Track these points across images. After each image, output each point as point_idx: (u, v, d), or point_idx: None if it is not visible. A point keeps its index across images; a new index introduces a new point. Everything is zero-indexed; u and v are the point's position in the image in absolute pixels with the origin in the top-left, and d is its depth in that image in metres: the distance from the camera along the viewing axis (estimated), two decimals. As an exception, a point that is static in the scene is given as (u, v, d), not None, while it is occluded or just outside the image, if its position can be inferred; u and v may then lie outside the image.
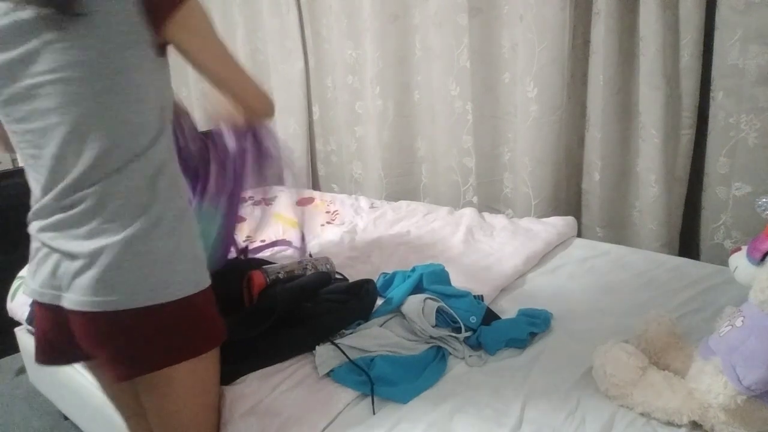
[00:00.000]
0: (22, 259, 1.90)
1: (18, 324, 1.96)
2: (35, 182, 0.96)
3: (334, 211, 2.23)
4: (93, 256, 0.91)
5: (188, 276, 0.97)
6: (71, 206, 0.92)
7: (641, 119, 1.81)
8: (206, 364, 1.04)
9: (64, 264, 0.93)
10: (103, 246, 0.91)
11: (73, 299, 0.93)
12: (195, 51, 0.97)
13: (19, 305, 1.82)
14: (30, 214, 0.98)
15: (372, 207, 2.26)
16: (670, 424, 0.98)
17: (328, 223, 2.12)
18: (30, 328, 1.86)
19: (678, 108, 1.75)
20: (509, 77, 2.08)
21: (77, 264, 0.91)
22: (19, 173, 2.36)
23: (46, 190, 0.94)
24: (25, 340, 1.99)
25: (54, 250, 0.94)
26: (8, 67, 0.89)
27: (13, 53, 0.88)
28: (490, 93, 2.13)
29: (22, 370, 2.32)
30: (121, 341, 0.95)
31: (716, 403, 0.92)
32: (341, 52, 2.51)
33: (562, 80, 1.90)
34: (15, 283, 1.87)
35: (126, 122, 0.91)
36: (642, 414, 1.00)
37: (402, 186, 2.53)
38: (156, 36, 0.91)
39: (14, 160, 3.73)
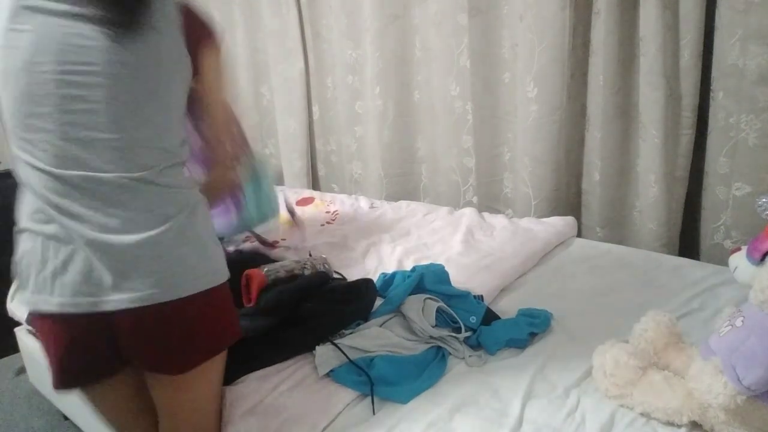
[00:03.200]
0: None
1: (18, 324, 1.96)
2: (50, 175, 0.93)
3: (334, 211, 2.23)
4: (136, 250, 0.89)
5: (223, 263, 1.02)
6: (104, 197, 0.90)
7: (641, 119, 1.81)
8: (223, 360, 1.07)
9: (96, 265, 0.88)
10: (148, 238, 0.90)
11: (126, 298, 0.89)
12: (208, 79, 1.05)
13: (19, 305, 1.82)
14: (42, 216, 0.91)
15: (372, 207, 2.26)
16: (670, 424, 0.98)
17: (328, 223, 2.12)
18: (30, 328, 1.86)
19: (678, 108, 1.75)
20: (509, 77, 2.08)
21: (119, 260, 0.88)
22: (19, 173, 2.35)
23: (72, 182, 0.90)
24: (25, 340, 1.99)
25: (79, 248, 0.89)
26: (66, 74, 0.90)
27: (74, 64, 0.90)
28: (490, 93, 2.13)
29: (22, 370, 2.32)
30: (181, 330, 0.95)
31: (716, 403, 0.92)
32: (341, 52, 2.51)
33: (562, 80, 1.90)
34: (15, 283, 1.87)
35: (157, 123, 0.95)
36: (642, 414, 1.00)
37: (402, 186, 2.53)
38: (193, 59, 1.00)
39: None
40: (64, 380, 0.99)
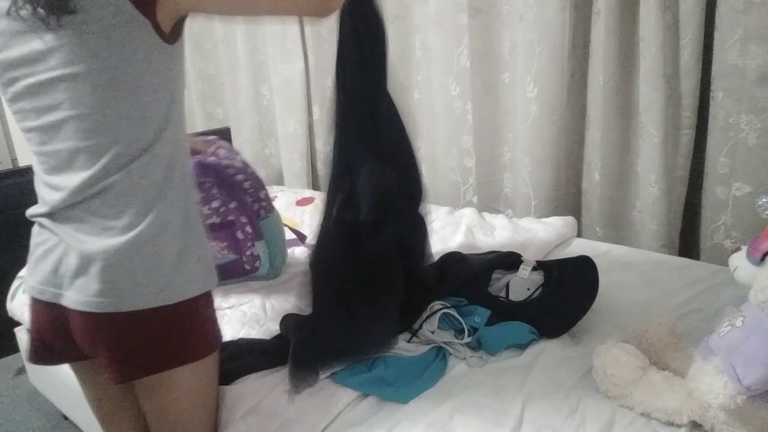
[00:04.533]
0: (23, 259, 1.91)
1: (18, 324, 1.96)
2: (40, 180, 0.95)
3: (334, 211, 2.23)
4: (98, 256, 0.89)
5: (194, 277, 0.96)
6: (78, 203, 0.91)
7: (641, 119, 1.81)
8: (208, 365, 1.03)
9: (66, 261, 0.92)
10: (109, 246, 0.89)
11: (75, 299, 0.91)
12: (207, 7, 0.92)
13: (18, 305, 1.82)
14: (35, 209, 0.96)
15: (372, 207, 2.25)
16: (670, 424, 0.98)
17: (328, 223, 2.12)
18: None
19: (678, 108, 1.75)
20: (509, 77, 2.08)
21: (81, 262, 0.90)
22: (19, 173, 2.37)
23: (54, 188, 0.92)
24: (25, 340, 1.98)
25: (61, 241, 0.92)
26: (12, 66, 0.89)
27: (15, 52, 0.87)
28: (490, 93, 2.13)
29: (22, 370, 2.32)
30: (124, 342, 0.93)
31: (716, 403, 0.92)
32: (341, 52, 2.51)
33: (562, 80, 1.90)
34: (15, 283, 1.87)
35: (126, 116, 0.88)
36: (642, 414, 1.00)
37: (402, 186, 2.52)
38: (154, 20, 0.86)
39: (14, 161, 3.73)
40: (33, 357, 1.06)
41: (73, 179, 0.90)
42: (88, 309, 0.90)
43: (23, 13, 0.85)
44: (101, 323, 0.92)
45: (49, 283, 0.94)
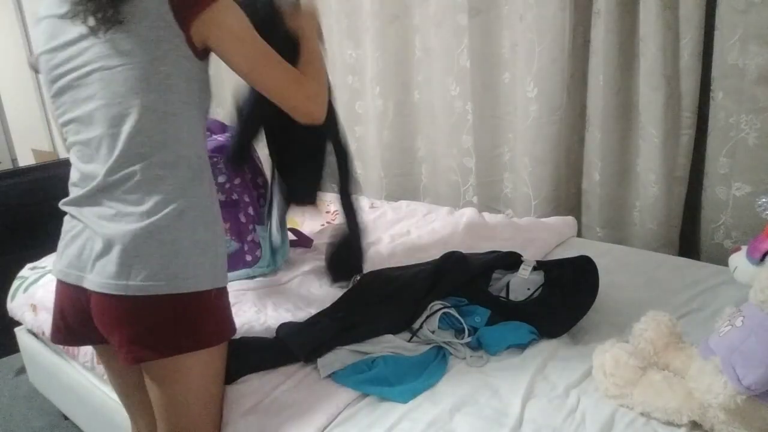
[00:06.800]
0: (22, 260, 1.91)
1: (18, 324, 1.96)
2: (75, 169, 1.02)
3: (334, 211, 2.23)
4: (118, 239, 0.94)
5: (208, 270, 1.00)
6: (101, 191, 0.97)
7: (641, 119, 1.81)
8: (217, 355, 1.06)
9: (89, 245, 0.98)
10: (128, 230, 0.94)
11: (94, 280, 0.96)
12: (225, 50, 1.00)
13: (19, 305, 1.82)
14: (66, 199, 1.03)
15: (372, 207, 2.26)
16: (670, 424, 0.98)
17: (328, 223, 2.12)
18: (30, 328, 1.86)
19: (678, 108, 1.75)
20: (509, 77, 2.08)
21: (104, 245, 0.95)
22: (19, 173, 2.37)
23: (88, 177, 0.99)
24: (25, 340, 1.99)
25: (86, 228, 0.99)
26: (58, 64, 0.98)
27: (62, 51, 0.97)
28: (490, 93, 2.13)
29: (22, 370, 2.32)
30: (136, 325, 0.97)
31: (716, 403, 0.92)
32: (341, 52, 2.51)
33: (562, 80, 1.90)
34: (15, 283, 1.87)
35: (151, 109, 0.95)
36: (642, 414, 1.00)
37: (402, 186, 2.52)
38: (188, 34, 0.95)
39: (14, 161, 3.73)
40: (56, 337, 1.12)
41: (100, 168, 0.97)
42: (104, 291, 0.95)
43: (76, 21, 0.95)
44: (116, 304, 0.96)
45: (74, 267, 1.00)
